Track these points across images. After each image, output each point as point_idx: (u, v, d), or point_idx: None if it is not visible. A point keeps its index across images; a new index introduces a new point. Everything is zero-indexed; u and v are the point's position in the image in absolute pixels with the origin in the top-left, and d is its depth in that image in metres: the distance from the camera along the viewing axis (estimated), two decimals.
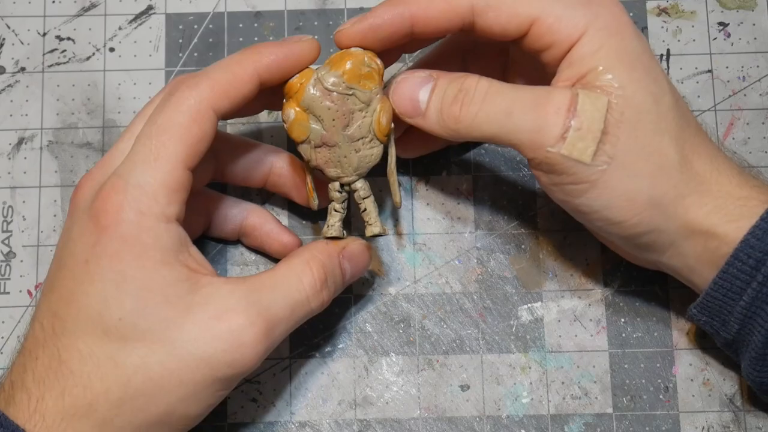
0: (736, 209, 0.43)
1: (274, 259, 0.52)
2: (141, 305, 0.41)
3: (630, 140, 0.42)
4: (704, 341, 0.51)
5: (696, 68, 0.55)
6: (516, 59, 0.49)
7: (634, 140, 0.43)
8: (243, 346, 0.42)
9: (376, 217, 0.47)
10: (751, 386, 0.47)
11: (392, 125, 0.46)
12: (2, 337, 0.51)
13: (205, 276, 0.42)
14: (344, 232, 0.47)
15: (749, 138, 0.54)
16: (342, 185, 0.46)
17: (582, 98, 0.42)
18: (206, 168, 0.48)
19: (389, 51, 0.46)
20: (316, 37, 0.46)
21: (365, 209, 0.47)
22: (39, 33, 0.55)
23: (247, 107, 0.46)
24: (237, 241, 0.52)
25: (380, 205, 0.51)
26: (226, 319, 0.41)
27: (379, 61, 0.45)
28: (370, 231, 0.47)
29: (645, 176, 0.43)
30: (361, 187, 0.46)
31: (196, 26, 0.55)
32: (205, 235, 0.51)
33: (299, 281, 0.44)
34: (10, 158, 0.54)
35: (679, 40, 0.55)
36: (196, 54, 0.55)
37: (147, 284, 0.41)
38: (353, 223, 0.53)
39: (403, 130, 0.49)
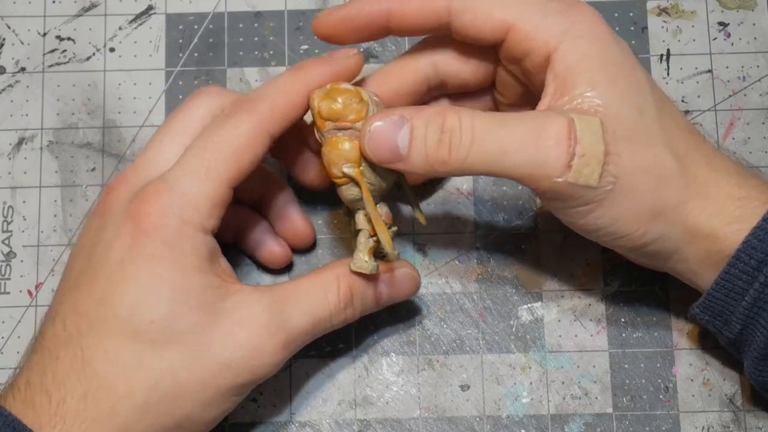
0: (736, 210, 0.43)
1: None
2: (174, 309, 0.41)
3: (629, 156, 0.42)
4: (704, 341, 0.51)
5: (696, 68, 0.55)
6: (502, 79, 0.48)
7: (632, 155, 0.42)
8: (262, 354, 0.42)
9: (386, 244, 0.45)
10: (754, 385, 0.47)
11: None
12: (2, 337, 0.51)
13: (234, 284, 0.43)
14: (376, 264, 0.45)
15: (749, 138, 0.54)
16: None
17: (578, 123, 0.42)
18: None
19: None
20: (361, 50, 0.46)
21: (395, 231, 0.46)
22: (39, 33, 0.55)
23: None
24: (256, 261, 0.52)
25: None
26: (247, 326, 0.42)
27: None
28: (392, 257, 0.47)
29: (648, 189, 0.43)
30: (385, 212, 0.46)
31: (196, 26, 0.55)
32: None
33: (324, 297, 0.44)
34: (10, 158, 0.54)
35: (679, 40, 0.55)
36: (196, 54, 0.55)
37: (182, 289, 0.41)
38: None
39: None
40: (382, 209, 0.45)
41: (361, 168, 0.43)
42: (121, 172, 0.45)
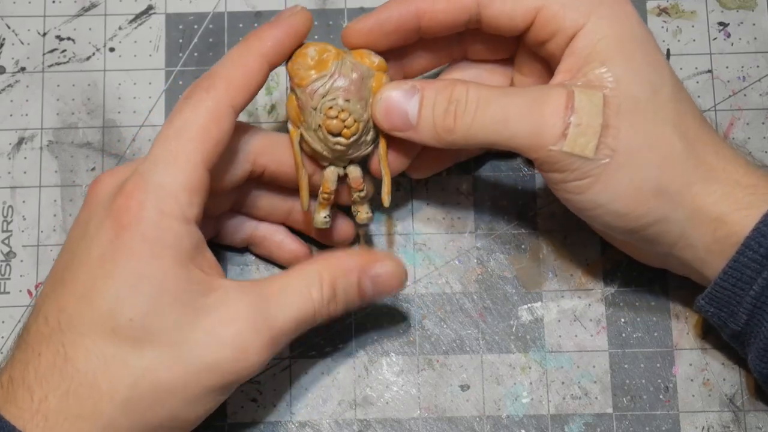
0: (745, 197, 0.43)
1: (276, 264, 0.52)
2: (154, 307, 0.40)
3: (631, 131, 0.43)
4: (704, 341, 0.51)
5: (696, 68, 0.55)
6: (522, 60, 0.49)
7: (635, 131, 0.43)
8: (248, 354, 0.42)
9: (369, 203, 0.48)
10: (757, 378, 0.46)
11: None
12: (2, 337, 0.51)
13: (217, 279, 0.43)
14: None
15: (749, 138, 0.54)
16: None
17: (578, 95, 0.42)
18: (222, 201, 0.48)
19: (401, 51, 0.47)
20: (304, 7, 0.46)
21: (361, 197, 0.47)
22: (39, 33, 0.55)
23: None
24: (245, 249, 0.52)
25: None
26: (233, 326, 0.42)
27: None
28: (362, 218, 0.48)
29: (651, 166, 0.43)
30: (354, 177, 0.47)
31: (196, 26, 0.55)
32: (213, 242, 0.51)
33: (308, 293, 0.44)
34: (10, 158, 0.54)
35: (679, 40, 0.55)
36: (196, 54, 0.55)
37: (162, 286, 0.41)
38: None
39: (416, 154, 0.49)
40: (354, 173, 0.47)
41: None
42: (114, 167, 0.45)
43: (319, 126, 0.45)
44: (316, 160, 0.47)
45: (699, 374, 0.51)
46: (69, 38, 0.55)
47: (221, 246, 0.51)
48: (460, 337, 0.51)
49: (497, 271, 0.52)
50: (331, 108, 0.45)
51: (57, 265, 0.44)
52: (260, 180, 0.48)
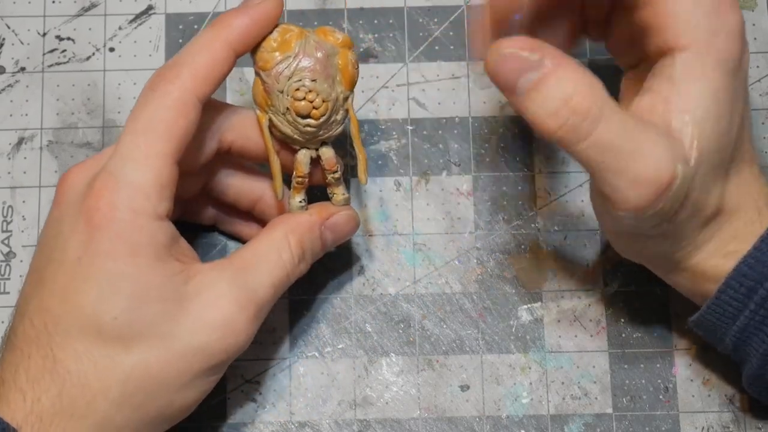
0: (735, 251, 0.43)
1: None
2: (136, 303, 0.40)
3: (686, 209, 0.41)
4: (704, 342, 0.51)
5: None
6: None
7: (688, 204, 0.41)
8: (236, 331, 0.42)
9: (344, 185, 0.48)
10: (752, 396, 0.48)
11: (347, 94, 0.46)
12: (2, 337, 0.51)
13: (194, 265, 0.43)
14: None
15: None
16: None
17: (680, 180, 0.40)
18: (197, 180, 0.48)
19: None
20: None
21: (336, 178, 0.47)
22: (39, 33, 0.55)
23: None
24: (212, 228, 0.52)
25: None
26: (218, 307, 0.42)
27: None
28: (338, 199, 0.47)
29: (682, 237, 0.43)
30: (327, 158, 0.46)
31: (196, 26, 0.55)
32: (218, 202, 0.50)
33: (279, 258, 0.44)
34: (10, 158, 0.54)
35: None
36: None
37: (142, 282, 0.41)
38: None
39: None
40: (326, 154, 0.46)
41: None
42: (82, 161, 0.44)
43: (288, 109, 0.44)
44: (287, 144, 0.46)
45: (699, 374, 0.51)
46: (69, 38, 0.55)
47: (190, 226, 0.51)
48: (460, 337, 0.51)
49: (497, 271, 0.52)
50: (298, 90, 0.44)
51: (35, 264, 0.43)
52: (227, 157, 0.47)
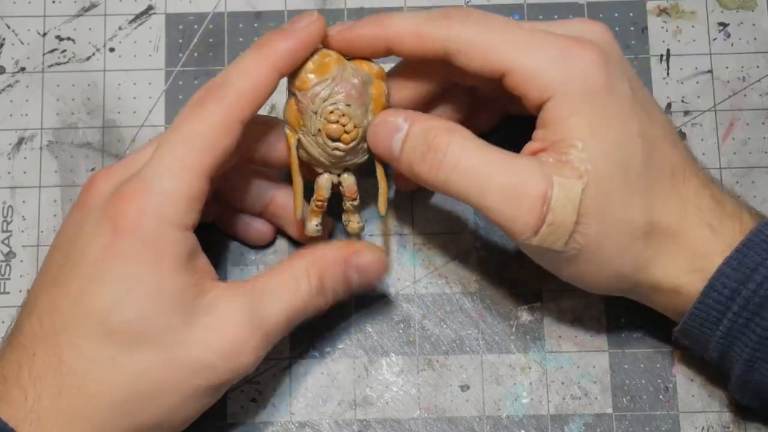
0: (700, 268, 0.43)
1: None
2: (150, 311, 0.41)
3: (600, 225, 0.43)
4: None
5: (696, 68, 0.55)
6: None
7: (603, 223, 0.43)
8: (241, 353, 0.42)
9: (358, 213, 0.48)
10: (740, 403, 0.48)
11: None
12: (2, 337, 0.51)
13: (210, 282, 0.43)
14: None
15: (749, 138, 0.54)
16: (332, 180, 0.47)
17: (557, 190, 0.42)
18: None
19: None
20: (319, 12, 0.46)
21: (354, 205, 0.47)
22: (39, 33, 0.55)
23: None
24: (212, 225, 0.52)
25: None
26: (226, 326, 0.42)
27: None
28: (353, 227, 0.48)
29: (612, 254, 0.43)
30: (348, 185, 0.47)
31: (196, 26, 0.55)
32: (227, 205, 0.51)
33: (297, 287, 0.44)
34: (10, 158, 0.54)
35: (679, 41, 0.55)
36: (196, 54, 0.55)
37: (159, 290, 0.41)
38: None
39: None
40: (348, 180, 0.47)
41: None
42: (109, 165, 0.45)
43: (319, 130, 0.45)
44: (312, 166, 0.47)
45: (699, 374, 0.51)
46: (69, 38, 0.55)
47: (219, 248, 0.52)
48: (460, 337, 0.51)
49: (497, 271, 0.52)
50: (332, 112, 0.45)
51: (49, 265, 0.44)
52: (246, 162, 0.48)
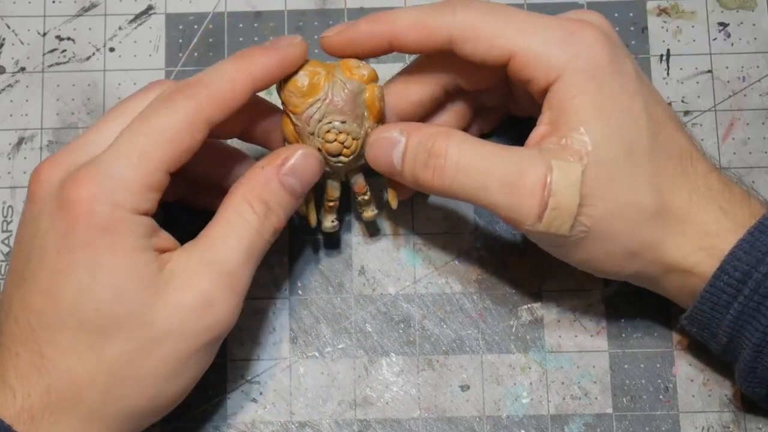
0: (712, 246, 0.44)
1: None
2: (115, 294, 0.41)
3: (605, 205, 0.43)
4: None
5: (696, 68, 0.55)
6: (515, 89, 0.49)
7: (609, 203, 0.43)
8: (215, 308, 0.42)
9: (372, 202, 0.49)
10: (745, 393, 0.47)
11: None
12: None
13: (167, 252, 0.43)
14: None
15: (749, 138, 0.54)
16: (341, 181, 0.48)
17: (556, 174, 0.42)
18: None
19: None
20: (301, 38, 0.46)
21: (365, 200, 0.48)
22: (39, 33, 0.55)
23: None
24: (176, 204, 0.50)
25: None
26: (191, 288, 0.42)
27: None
28: (368, 215, 0.49)
29: (622, 233, 0.44)
30: (358, 183, 0.48)
31: (196, 26, 0.55)
32: (191, 184, 0.50)
33: (243, 220, 0.43)
34: (10, 158, 0.54)
35: (679, 40, 0.55)
36: (196, 54, 0.55)
37: (120, 272, 0.41)
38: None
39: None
40: (357, 179, 0.48)
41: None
42: (52, 155, 0.44)
43: (319, 149, 0.45)
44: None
45: (699, 374, 0.51)
46: (69, 38, 0.55)
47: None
48: (460, 337, 0.51)
49: (497, 271, 0.52)
50: (328, 132, 0.45)
51: (15, 263, 0.43)
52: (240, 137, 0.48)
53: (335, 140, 0.45)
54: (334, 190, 0.48)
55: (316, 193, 0.48)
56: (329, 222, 0.49)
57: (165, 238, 0.43)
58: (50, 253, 0.41)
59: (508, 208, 0.43)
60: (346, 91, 0.45)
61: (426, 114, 0.49)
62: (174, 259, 0.42)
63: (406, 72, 0.48)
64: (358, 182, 0.48)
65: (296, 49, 0.44)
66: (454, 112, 0.50)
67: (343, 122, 0.45)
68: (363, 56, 0.46)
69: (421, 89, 0.48)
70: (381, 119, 0.46)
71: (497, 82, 0.48)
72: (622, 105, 0.43)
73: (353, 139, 0.45)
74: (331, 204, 0.48)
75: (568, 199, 0.42)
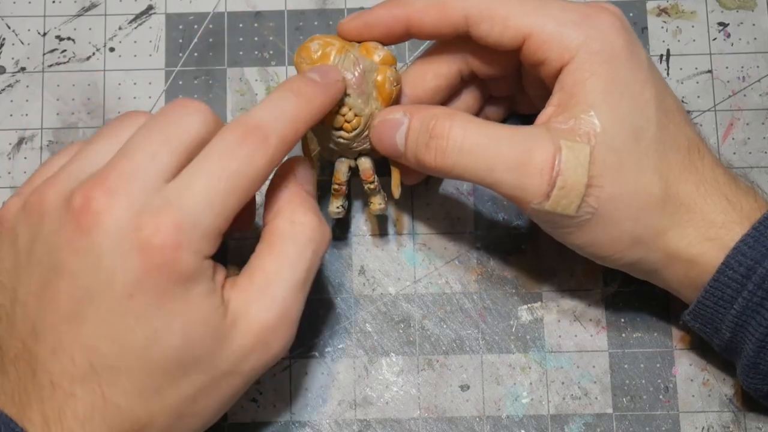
0: (717, 237, 0.44)
1: None
2: (186, 341, 0.40)
3: (613, 187, 0.43)
4: (704, 341, 0.51)
5: (696, 68, 0.55)
6: (527, 76, 0.49)
7: (616, 186, 0.43)
8: (272, 346, 0.42)
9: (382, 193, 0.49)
10: (747, 390, 0.47)
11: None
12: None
13: (225, 289, 0.42)
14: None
15: (749, 138, 0.54)
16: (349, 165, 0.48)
17: (565, 153, 0.42)
18: None
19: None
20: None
21: (372, 188, 0.48)
22: (39, 33, 0.55)
23: None
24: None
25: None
26: (252, 333, 0.42)
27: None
28: (375, 208, 0.49)
29: (628, 218, 0.43)
30: (365, 168, 0.48)
31: (196, 26, 0.55)
32: None
33: (295, 245, 0.43)
34: (10, 158, 0.54)
35: (679, 40, 0.55)
36: (196, 54, 0.55)
37: (192, 320, 0.40)
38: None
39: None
40: (364, 165, 0.48)
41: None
42: (60, 172, 0.42)
43: (322, 122, 0.45)
44: (325, 154, 0.48)
45: (699, 374, 0.51)
46: (69, 38, 0.55)
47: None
48: (460, 337, 0.51)
49: (497, 271, 0.52)
50: None
51: (56, 294, 0.40)
52: None
53: (337, 112, 0.45)
54: (340, 173, 0.48)
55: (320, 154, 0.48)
56: (334, 207, 0.49)
57: (219, 270, 0.43)
58: (119, 296, 0.40)
59: (514, 187, 0.43)
60: (358, 67, 0.45)
61: (442, 101, 0.49)
62: (234, 299, 0.42)
63: (422, 59, 0.49)
64: (365, 166, 0.48)
65: (342, 86, 0.45)
66: (465, 99, 0.50)
67: (347, 95, 0.45)
68: (380, 40, 0.46)
69: (437, 75, 0.48)
70: (389, 103, 0.46)
71: (510, 69, 0.48)
72: (633, 91, 0.44)
73: (355, 114, 0.45)
74: (337, 188, 0.48)
75: (577, 179, 0.42)
